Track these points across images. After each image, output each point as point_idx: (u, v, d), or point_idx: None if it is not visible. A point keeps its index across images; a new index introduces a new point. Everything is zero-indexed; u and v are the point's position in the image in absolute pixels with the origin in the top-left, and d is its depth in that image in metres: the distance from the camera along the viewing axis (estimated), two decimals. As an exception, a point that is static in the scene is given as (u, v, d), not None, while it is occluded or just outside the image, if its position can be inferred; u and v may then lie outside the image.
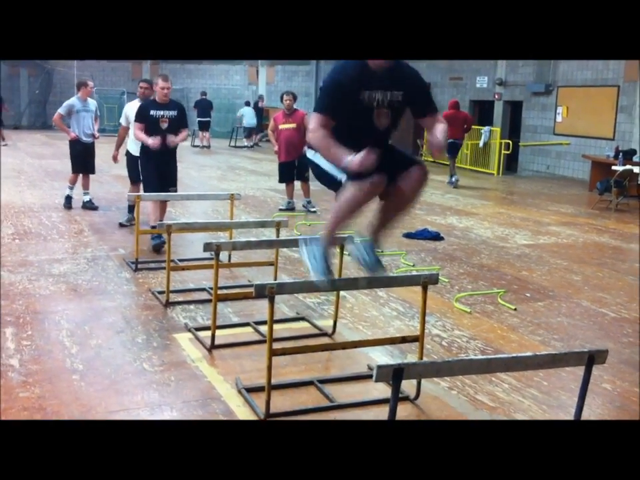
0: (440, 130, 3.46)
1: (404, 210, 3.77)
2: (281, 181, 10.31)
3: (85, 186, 9.62)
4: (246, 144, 22.19)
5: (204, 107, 21.23)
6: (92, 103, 9.60)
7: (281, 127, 9.96)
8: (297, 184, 10.22)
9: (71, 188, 9.60)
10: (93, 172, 9.70)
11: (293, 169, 10.04)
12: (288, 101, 9.86)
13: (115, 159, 8.83)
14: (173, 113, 7.15)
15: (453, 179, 14.20)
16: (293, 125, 9.85)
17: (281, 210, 10.03)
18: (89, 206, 9.51)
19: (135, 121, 7.21)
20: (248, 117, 22.10)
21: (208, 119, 21.24)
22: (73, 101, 9.47)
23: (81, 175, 9.55)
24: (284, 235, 7.45)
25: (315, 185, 10.34)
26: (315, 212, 9.86)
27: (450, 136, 13.64)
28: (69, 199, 9.58)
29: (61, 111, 9.35)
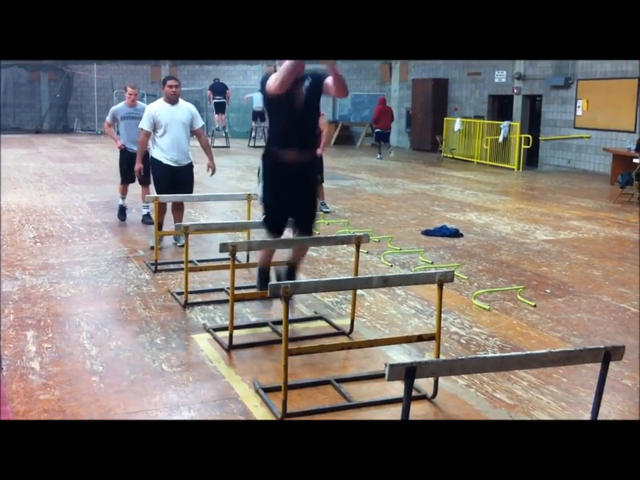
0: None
1: None
2: None
3: (143, 198, 8.42)
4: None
5: (218, 89, 20.99)
6: (143, 109, 7.95)
7: None
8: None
9: (123, 197, 8.84)
10: (148, 182, 8.03)
11: None
12: None
13: (139, 172, 7.55)
14: (308, 85, 4.66)
15: (390, 153, 18.42)
16: None
17: None
18: (147, 221, 8.52)
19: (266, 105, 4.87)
20: (257, 100, 20.94)
21: (223, 99, 20.96)
22: (118, 107, 8.77)
23: (141, 187, 8.42)
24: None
25: (327, 184, 10.39)
26: (328, 212, 9.83)
27: (383, 126, 18.34)
28: (122, 209, 8.80)
29: (107, 118, 8.81)
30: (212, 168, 7.37)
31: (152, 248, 6.96)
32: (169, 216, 7.36)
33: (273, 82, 4.44)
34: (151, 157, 7.21)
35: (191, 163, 7.26)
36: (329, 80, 4.57)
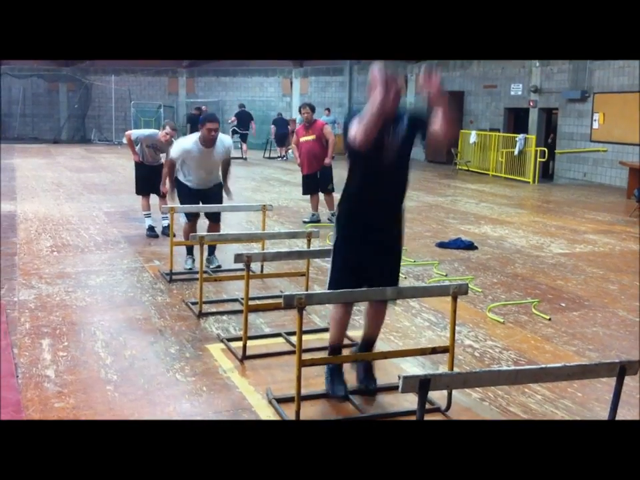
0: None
1: None
2: (304, 193, 10.32)
3: (160, 208, 8.08)
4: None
5: (243, 118, 21.55)
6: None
7: (302, 139, 9.91)
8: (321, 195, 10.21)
9: (148, 215, 8.73)
10: (158, 194, 8.40)
11: (316, 180, 10.04)
12: (306, 114, 9.80)
13: (166, 193, 7.28)
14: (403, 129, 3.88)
15: None
16: (312, 137, 9.79)
17: (305, 222, 9.98)
18: (167, 232, 8.02)
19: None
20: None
21: (246, 131, 21.51)
22: (150, 134, 8.54)
23: (158, 199, 8.48)
24: (316, 245, 7.48)
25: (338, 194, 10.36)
26: None
27: None
28: (151, 229, 8.63)
29: (133, 136, 8.60)
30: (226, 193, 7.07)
31: (188, 269, 6.84)
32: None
33: (355, 132, 3.53)
34: (176, 177, 6.86)
35: (220, 182, 7.02)
36: (435, 121, 3.80)
